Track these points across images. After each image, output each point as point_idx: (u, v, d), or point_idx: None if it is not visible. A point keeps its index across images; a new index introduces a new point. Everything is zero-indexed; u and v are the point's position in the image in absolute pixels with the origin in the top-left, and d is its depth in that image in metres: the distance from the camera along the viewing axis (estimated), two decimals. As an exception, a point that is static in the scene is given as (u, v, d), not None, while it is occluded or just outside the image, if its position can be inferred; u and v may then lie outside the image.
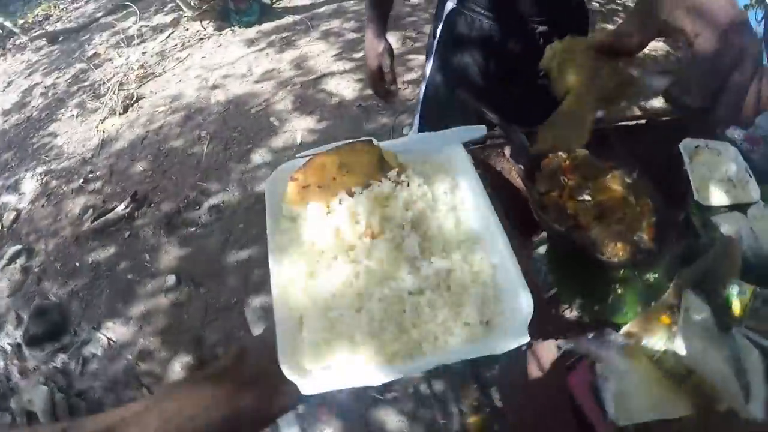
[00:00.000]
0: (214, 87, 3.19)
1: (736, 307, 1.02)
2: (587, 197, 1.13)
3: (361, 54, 3.23)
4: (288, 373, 0.54)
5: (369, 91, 2.94)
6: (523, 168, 1.15)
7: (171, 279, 2.28)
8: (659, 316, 1.03)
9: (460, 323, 0.61)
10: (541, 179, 1.16)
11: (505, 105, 1.35)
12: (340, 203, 0.69)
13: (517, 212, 1.35)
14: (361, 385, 0.55)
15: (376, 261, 0.64)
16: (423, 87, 1.51)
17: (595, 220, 1.10)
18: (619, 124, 1.34)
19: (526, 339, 0.57)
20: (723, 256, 1.07)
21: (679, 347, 0.96)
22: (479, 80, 1.37)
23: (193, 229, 2.46)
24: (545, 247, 1.10)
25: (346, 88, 3.01)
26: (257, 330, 2.05)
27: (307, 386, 0.54)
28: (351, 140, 0.77)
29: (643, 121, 1.37)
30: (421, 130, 1.67)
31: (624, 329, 0.96)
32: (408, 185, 0.73)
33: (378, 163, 0.74)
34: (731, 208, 1.24)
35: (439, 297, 0.63)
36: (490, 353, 0.58)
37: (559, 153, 1.21)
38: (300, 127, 2.84)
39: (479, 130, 0.80)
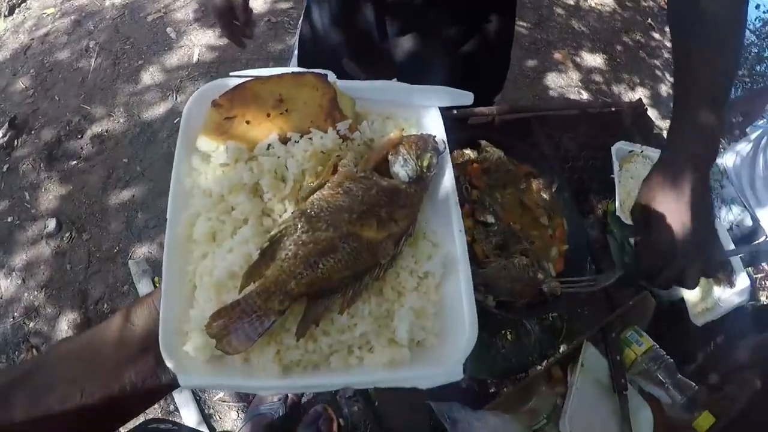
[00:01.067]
0: (112, -14, 2.67)
1: (629, 355, 0.92)
2: (490, 218, 0.93)
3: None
4: (166, 357, 0.44)
5: (282, 4, 2.56)
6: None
7: (51, 223, 2.02)
8: (549, 371, 0.91)
9: (383, 339, 0.49)
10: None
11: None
12: (268, 149, 0.54)
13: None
14: (246, 391, 0.45)
15: (295, 238, 0.50)
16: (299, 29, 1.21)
17: (496, 251, 0.92)
18: (546, 113, 1.12)
19: (460, 376, 0.47)
20: (633, 310, 0.93)
21: (569, 414, 0.83)
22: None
23: (75, 162, 2.16)
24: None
25: (257, -1, 2.61)
26: (142, 286, 1.89)
27: (185, 378, 0.44)
28: (301, 69, 0.60)
29: (575, 112, 1.15)
30: None
31: (496, 402, 0.82)
32: (358, 145, 0.57)
33: (329, 106, 0.58)
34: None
35: (365, 300, 0.49)
36: (413, 386, 0.47)
37: (466, 151, 0.98)
38: (199, 42, 2.45)
39: (465, 97, 0.65)
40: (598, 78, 2.78)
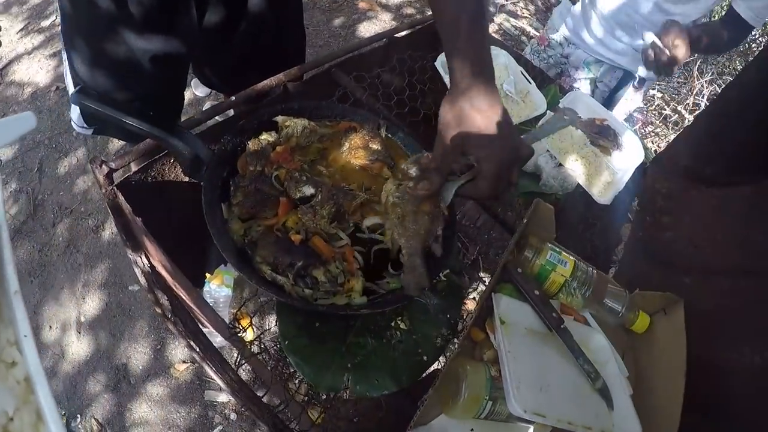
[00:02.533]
0: None
1: (556, 281, 0.74)
2: (308, 189, 0.72)
3: (51, 20, 2.43)
4: None
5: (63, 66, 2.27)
6: (204, 188, 0.68)
7: None
8: (470, 337, 0.73)
9: None
10: (242, 196, 0.71)
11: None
12: None
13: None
14: None
15: None
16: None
17: (332, 224, 0.71)
18: (348, 55, 0.93)
19: None
20: (532, 224, 0.76)
21: (512, 391, 0.64)
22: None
23: None
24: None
25: (38, 71, 2.28)
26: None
27: None
28: None
29: (383, 42, 0.98)
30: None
31: (420, 416, 0.62)
32: None
33: None
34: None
35: None
36: None
37: (263, 137, 0.77)
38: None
39: (24, 120, 0.45)
40: (410, 10, 2.70)
